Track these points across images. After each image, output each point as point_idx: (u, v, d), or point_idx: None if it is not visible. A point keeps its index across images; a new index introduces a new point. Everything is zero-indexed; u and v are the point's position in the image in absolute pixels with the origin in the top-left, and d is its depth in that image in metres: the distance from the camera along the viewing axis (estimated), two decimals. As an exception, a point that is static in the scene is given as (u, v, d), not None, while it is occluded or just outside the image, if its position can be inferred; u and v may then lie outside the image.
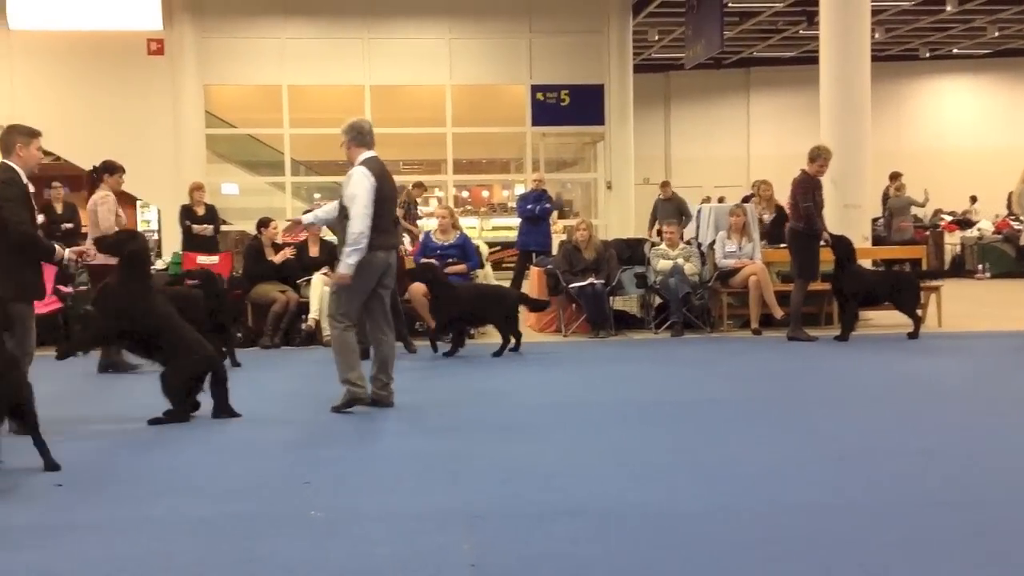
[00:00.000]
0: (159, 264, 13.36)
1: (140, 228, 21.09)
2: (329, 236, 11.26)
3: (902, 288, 11.13)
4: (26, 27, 18.35)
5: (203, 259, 12.31)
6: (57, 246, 6.86)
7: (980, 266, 19.59)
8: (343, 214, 7.13)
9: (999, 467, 5.46)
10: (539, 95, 20.34)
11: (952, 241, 20.98)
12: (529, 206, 14.35)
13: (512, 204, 20.00)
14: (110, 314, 7.11)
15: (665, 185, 19.03)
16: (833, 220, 11.55)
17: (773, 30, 24.38)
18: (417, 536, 4.35)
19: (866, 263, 12.08)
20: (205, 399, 7.01)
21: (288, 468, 5.62)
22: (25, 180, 6.57)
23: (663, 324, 11.75)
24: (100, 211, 9.25)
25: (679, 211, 16.67)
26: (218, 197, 18.02)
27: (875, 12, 15.94)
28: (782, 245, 11.90)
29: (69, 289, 11.00)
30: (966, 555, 4.05)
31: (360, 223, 6.96)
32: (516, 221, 15.59)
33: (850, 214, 12.52)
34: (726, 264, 11.81)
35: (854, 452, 5.82)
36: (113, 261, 7.57)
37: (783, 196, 12.21)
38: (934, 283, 12.07)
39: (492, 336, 10.61)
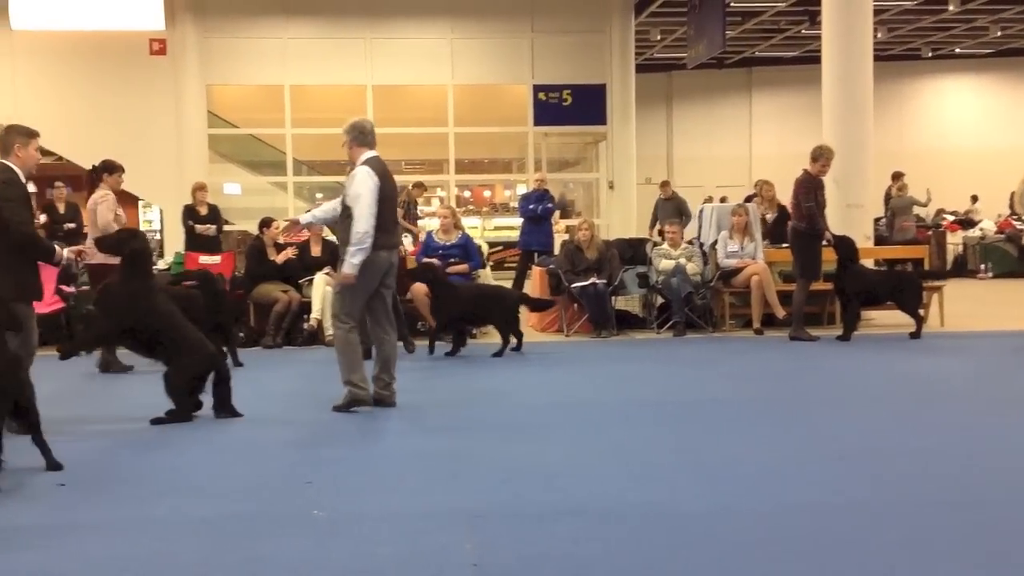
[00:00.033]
0: (161, 264, 13.37)
1: (142, 228, 21.13)
2: (330, 236, 11.28)
3: (904, 288, 11.13)
4: (28, 27, 18.35)
5: (205, 259, 12.33)
6: (56, 246, 6.87)
7: (982, 266, 19.58)
8: (346, 214, 7.13)
9: (1001, 467, 5.46)
10: (541, 95, 20.33)
11: (954, 241, 20.98)
12: (531, 206, 14.34)
13: (514, 204, 20.00)
14: (112, 313, 7.12)
15: (665, 185, 19.08)
16: (835, 220, 11.55)
17: (775, 30, 24.36)
18: (419, 536, 4.36)
19: (868, 263, 12.07)
20: (207, 398, 7.02)
21: (290, 468, 5.63)
22: (24, 180, 6.57)
23: (665, 324, 11.75)
24: (99, 210, 9.28)
25: (679, 211, 16.69)
26: (220, 197, 18.01)
27: (877, 12, 15.93)
28: (784, 245, 11.91)
29: (71, 289, 11.01)
30: (967, 555, 4.05)
31: (365, 223, 6.97)
32: (518, 221, 15.58)
33: (852, 214, 12.51)
34: (728, 264, 11.81)
35: (856, 452, 5.83)
36: (113, 261, 7.58)
37: (785, 196, 12.21)
38: (936, 283, 12.06)
39: (494, 336, 10.61)
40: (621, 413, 7.17)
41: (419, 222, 16.42)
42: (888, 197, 19.07)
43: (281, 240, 11.45)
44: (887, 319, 11.98)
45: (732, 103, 29.42)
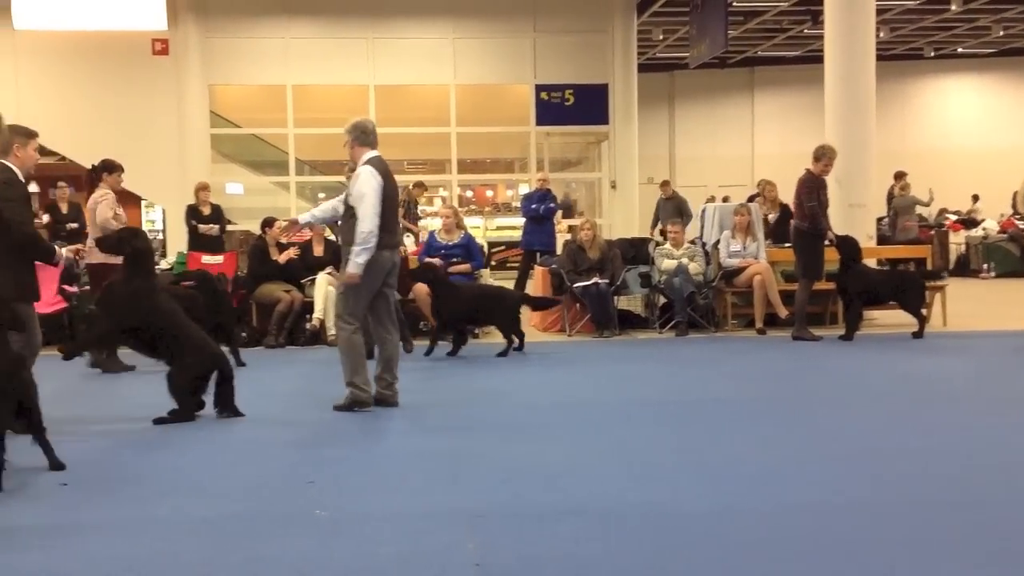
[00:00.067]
0: (164, 264, 13.39)
1: (145, 228, 21.14)
2: (332, 236, 11.29)
3: (907, 287, 11.13)
4: (31, 27, 18.35)
5: (208, 259, 12.35)
6: (56, 247, 6.87)
7: (985, 265, 19.57)
8: (349, 214, 7.14)
9: (1003, 467, 5.46)
10: (543, 94, 20.32)
11: (957, 240, 20.96)
12: (533, 206, 14.34)
13: (516, 204, 20.00)
14: (115, 313, 7.12)
15: (665, 184, 19.11)
16: (838, 219, 11.54)
17: (777, 29, 24.35)
18: (421, 535, 4.36)
19: (871, 262, 12.07)
20: (209, 398, 7.02)
21: (292, 468, 5.63)
22: (23, 180, 6.57)
23: (667, 324, 11.75)
24: (99, 208, 9.32)
25: (679, 210, 16.70)
26: (223, 197, 18.01)
27: (880, 11, 15.93)
28: (786, 244, 11.91)
29: (74, 289, 11.01)
30: (969, 555, 4.05)
31: (370, 222, 6.98)
32: (520, 221, 15.58)
33: (855, 213, 12.50)
34: (730, 263, 11.81)
35: (857, 451, 5.83)
36: (114, 260, 7.58)
37: (788, 195, 12.21)
38: (939, 282, 12.05)
39: (496, 336, 10.61)
40: (623, 413, 7.17)
41: (420, 222, 16.42)
42: (890, 197, 19.06)
43: (283, 240, 11.46)
44: (889, 319, 11.97)
45: (734, 103, 29.40)
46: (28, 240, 6.47)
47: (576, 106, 20.31)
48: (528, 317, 11.94)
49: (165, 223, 20.88)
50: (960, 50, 27.90)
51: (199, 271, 10.71)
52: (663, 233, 15.38)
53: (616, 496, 4.93)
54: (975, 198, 23.60)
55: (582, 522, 4.51)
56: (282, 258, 11.41)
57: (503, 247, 18.92)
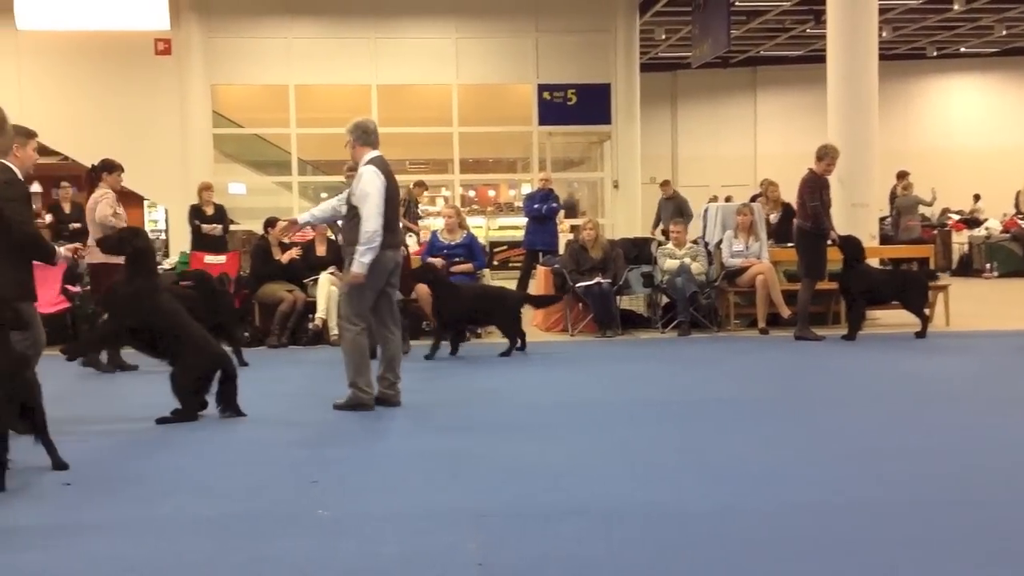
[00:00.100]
0: (167, 264, 13.39)
1: (147, 228, 21.15)
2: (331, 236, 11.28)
3: (909, 287, 11.12)
4: (34, 27, 18.36)
5: (211, 259, 12.35)
6: (56, 247, 6.87)
7: (988, 265, 19.55)
8: (352, 213, 7.15)
9: (1005, 467, 5.46)
10: (546, 94, 20.31)
11: (960, 240, 20.95)
12: (536, 205, 14.34)
13: (519, 203, 19.99)
14: (117, 313, 7.13)
15: (665, 184, 19.12)
16: (840, 219, 11.53)
17: (780, 29, 24.34)
18: (424, 535, 4.36)
19: (873, 262, 12.06)
20: (212, 398, 7.02)
21: (295, 467, 5.63)
22: (22, 180, 6.58)
23: (670, 323, 11.75)
24: (99, 206, 9.34)
25: (680, 210, 16.71)
26: (225, 197, 18.01)
27: (882, 11, 15.92)
28: (789, 244, 11.90)
29: (77, 288, 11.02)
30: (971, 554, 4.05)
31: (374, 222, 6.99)
32: (523, 220, 15.59)
33: (857, 213, 12.49)
34: (733, 263, 11.81)
35: (860, 451, 5.83)
36: (114, 260, 7.58)
37: (790, 195, 12.20)
38: (941, 282, 12.04)
39: (498, 336, 10.61)
40: (626, 413, 7.17)
41: (421, 221, 16.41)
42: (893, 196, 19.05)
43: (285, 240, 11.46)
44: (892, 319, 11.97)
45: (737, 102, 29.39)
46: (29, 240, 6.47)
47: (578, 106, 20.30)
48: (530, 317, 11.94)
49: (168, 223, 20.88)
50: (963, 49, 27.88)
51: (197, 271, 10.72)
52: (665, 233, 15.39)
53: (619, 496, 4.93)
54: (976, 197, 23.59)
55: (585, 522, 4.51)
56: (285, 258, 11.41)
57: (505, 247, 18.90)
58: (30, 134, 6.69)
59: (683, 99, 29.63)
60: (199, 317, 7.77)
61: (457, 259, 11.13)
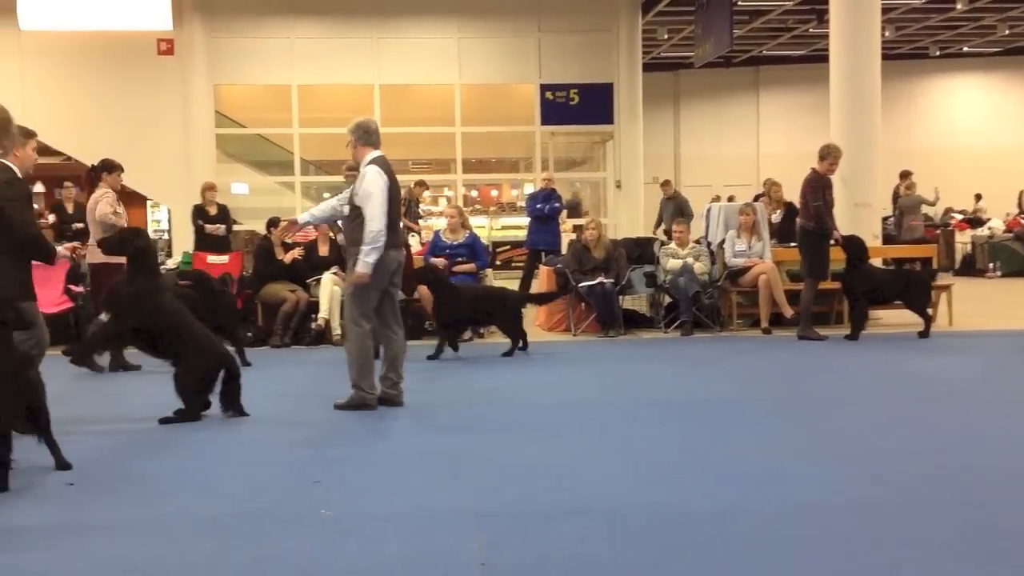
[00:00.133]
0: (170, 263, 13.40)
1: (150, 228, 21.18)
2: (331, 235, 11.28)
3: (912, 287, 11.11)
4: (37, 27, 18.38)
5: (214, 259, 12.36)
6: (56, 247, 6.88)
7: (991, 265, 19.54)
8: (355, 213, 7.15)
9: (1006, 466, 5.45)
10: (548, 94, 20.31)
11: (963, 240, 20.93)
12: (538, 205, 14.34)
13: (521, 203, 19.98)
14: (120, 313, 7.13)
15: (665, 184, 19.12)
16: (843, 219, 11.53)
17: (783, 28, 24.33)
18: (426, 535, 4.36)
19: (876, 262, 12.05)
20: (215, 399, 7.03)
21: (298, 467, 5.63)
22: (23, 180, 6.58)
23: (672, 323, 11.75)
24: (99, 205, 9.37)
25: (680, 210, 16.72)
26: (228, 197, 18.00)
27: (885, 10, 15.91)
28: (792, 244, 11.89)
29: (80, 288, 11.03)
30: (972, 554, 4.04)
31: (379, 221, 7.00)
32: (525, 220, 15.59)
33: (860, 213, 12.50)
34: (736, 263, 11.81)
35: (862, 451, 5.82)
36: (115, 260, 7.58)
37: (793, 195, 12.20)
38: (944, 282, 12.03)
39: (500, 336, 10.61)
40: (628, 412, 7.17)
41: (422, 221, 16.41)
42: (896, 196, 19.04)
43: (288, 240, 11.46)
44: (895, 318, 11.96)
45: (739, 102, 29.39)
46: (30, 240, 6.47)
47: (581, 106, 20.30)
48: (533, 317, 11.94)
49: (171, 223, 20.89)
50: (966, 49, 27.87)
51: (196, 271, 10.74)
52: (666, 233, 15.39)
53: (621, 496, 4.92)
54: (978, 197, 23.57)
55: (587, 522, 4.51)
56: (287, 258, 11.42)
57: (508, 247, 18.90)
58: (29, 134, 6.70)
59: (686, 99, 29.63)
60: (199, 317, 7.78)
61: (460, 259, 11.13)
